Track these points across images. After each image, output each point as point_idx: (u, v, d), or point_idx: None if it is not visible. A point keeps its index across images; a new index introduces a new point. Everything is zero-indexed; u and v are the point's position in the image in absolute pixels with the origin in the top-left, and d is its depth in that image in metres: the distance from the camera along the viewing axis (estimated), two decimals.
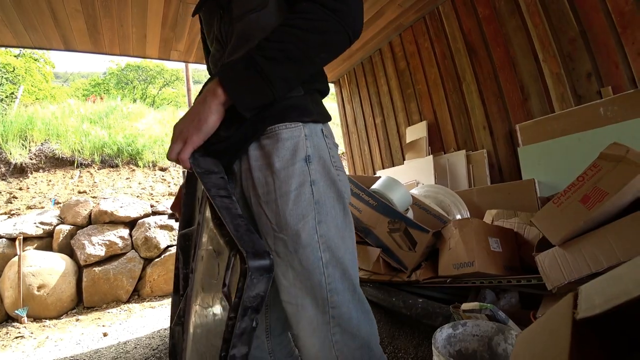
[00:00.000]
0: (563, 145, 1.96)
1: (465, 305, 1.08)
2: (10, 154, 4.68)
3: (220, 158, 0.69)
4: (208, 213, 0.63)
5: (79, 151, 5.17)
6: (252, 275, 0.43)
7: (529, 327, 0.42)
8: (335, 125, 8.67)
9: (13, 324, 2.74)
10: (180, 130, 0.64)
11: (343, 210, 0.69)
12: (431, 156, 2.77)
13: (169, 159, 0.65)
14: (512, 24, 2.30)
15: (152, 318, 2.80)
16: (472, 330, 0.95)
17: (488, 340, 0.93)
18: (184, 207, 0.81)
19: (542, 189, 1.95)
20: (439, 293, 1.61)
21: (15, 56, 9.34)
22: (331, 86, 4.57)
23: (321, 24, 0.60)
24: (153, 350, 2.09)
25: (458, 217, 2.03)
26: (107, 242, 3.33)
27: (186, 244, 0.79)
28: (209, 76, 0.92)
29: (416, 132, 3.07)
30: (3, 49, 8.27)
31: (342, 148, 6.33)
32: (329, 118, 0.75)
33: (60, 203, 4.12)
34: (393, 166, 3.39)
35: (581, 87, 1.99)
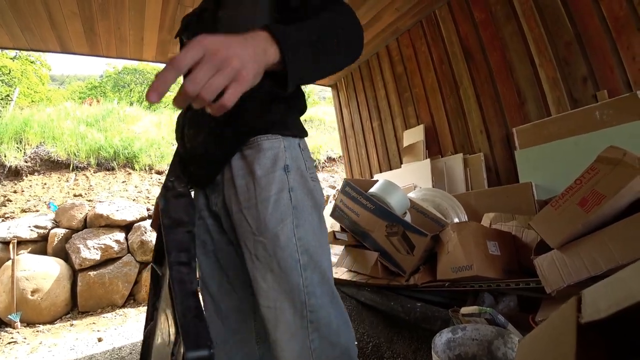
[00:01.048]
0: (559, 148, 1.97)
1: (465, 309, 1.08)
2: (5, 156, 4.64)
3: (205, 169, 0.72)
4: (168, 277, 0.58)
5: (74, 154, 5.13)
6: None
7: (531, 332, 0.42)
8: (332, 129, 8.70)
9: (6, 329, 2.70)
10: (227, 57, 0.41)
11: (319, 218, 0.72)
12: (428, 160, 2.77)
13: (190, 92, 0.40)
14: (508, 29, 2.32)
15: None
16: (472, 335, 0.95)
17: (488, 345, 0.92)
18: (157, 237, 0.75)
19: (538, 192, 1.95)
20: (437, 297, 1.61)
21: (11, 58, 9.29)
22: (328, 90, 4.57)
23: (354, 34, 0.63)
24: None
25: (456, 220, 2.03)
26: (102, 246, 3.30)
27: (156, 274, 0.74)
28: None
29: (413, 135, 3.08)
30: None
31: (339, 152, 6.34)
32: (305, 134, 0.80)
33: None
34: (390, 170, 3.39)
35: (577, 91, 2.00)
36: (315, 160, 7.19)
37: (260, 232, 0.65)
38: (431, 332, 1.15)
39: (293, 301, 0.63)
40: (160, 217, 0.61)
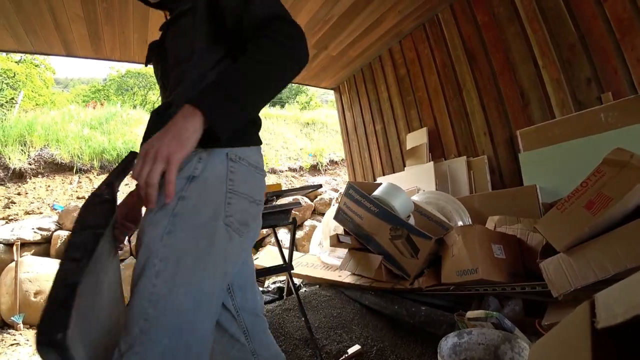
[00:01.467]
0: (564, 151, 1.96)
1: (471, 313, 1.07)
2: (9, 159, 4.66)
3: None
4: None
5: (78, 157, 5.15)
6: (39, 347, 0.47)
7: (542, 337, 0.41)
8: (335, 132, 8.70)
9: (9, 330, 2.70)
10: (157, 150, 0.58)
11: (209, 235, 0.65)
12: (432, 162, 2.76)
13: (139, 182, 0.58)
14: (511, 30, 2.32)
15: None
16: (478, 339, 0.94)
17: (494, 349, 0.91)
18: None
19: (543, 194, 1.94)
20: (442, 300, 1.59)
21: (16, 62, 9.36)
22: (331, 93, 4.58)
23: (283, 59, 0.67)
24: None
25: (460, 223, 2.01)
26: None
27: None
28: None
29: (416, 138, 3.07)
30: (4, 54, 8.30)
31: (342, 154, 6.34)
32: (249, 142, 0.75)
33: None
34: (393, 173, 3.38)
35: (581, 93, 1.99)
36: (317, 163, 7.20)
37: (140, 231, 0.64)
38: (436, 336, 1.14)
39: (133, 309, 0.57)
40: (75, 220, 0.63)
